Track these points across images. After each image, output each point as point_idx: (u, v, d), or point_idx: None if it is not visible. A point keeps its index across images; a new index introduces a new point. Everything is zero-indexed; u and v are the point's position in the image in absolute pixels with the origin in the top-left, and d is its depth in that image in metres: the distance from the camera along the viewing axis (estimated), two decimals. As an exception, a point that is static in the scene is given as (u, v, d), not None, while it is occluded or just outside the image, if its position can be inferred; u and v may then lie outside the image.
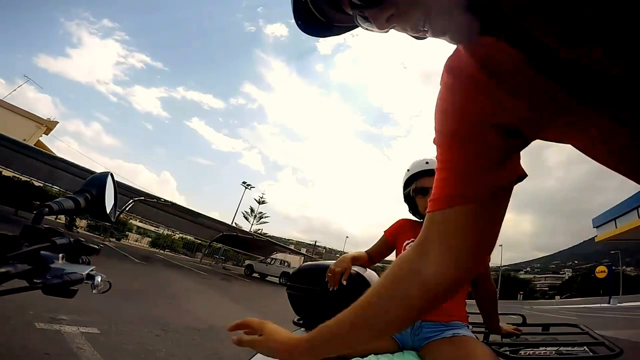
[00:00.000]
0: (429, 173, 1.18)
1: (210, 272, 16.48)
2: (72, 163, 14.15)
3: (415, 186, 1.22)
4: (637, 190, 19.34)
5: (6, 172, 16.68)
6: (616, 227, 21.95)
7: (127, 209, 18.64)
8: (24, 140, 16.99)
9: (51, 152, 20.04)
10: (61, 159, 14.82)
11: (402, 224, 1.30)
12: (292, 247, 38.93)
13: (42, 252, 0.50)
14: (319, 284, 1.10)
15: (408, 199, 1.27)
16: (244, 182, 34.41)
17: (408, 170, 1.26)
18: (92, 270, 0.53)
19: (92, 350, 2.69)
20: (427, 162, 1.22)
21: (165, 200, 17.65)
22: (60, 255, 0.52)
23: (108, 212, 0.62)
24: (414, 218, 1.32)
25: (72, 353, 2.57)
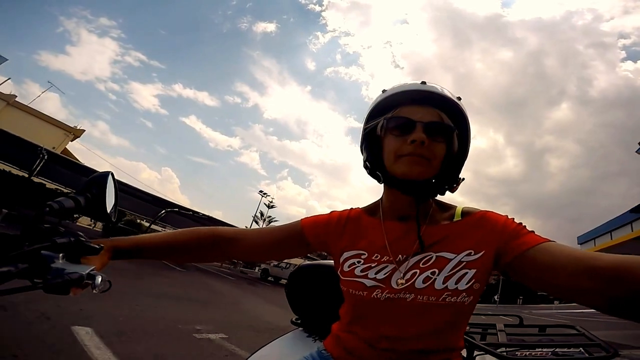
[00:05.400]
0: (422, 99, 0.65)
1: (235, 276, 18.16)
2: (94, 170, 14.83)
3: (394, 114, 0.66)
4: (614, 217, 21.66)
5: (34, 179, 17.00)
6: (595, 245, 24.49)
7: (159, 218, 20.07)
8: (53, 148, 17.89)
9: (76, 159, 20.47)
10: (85, 167, 15.82)
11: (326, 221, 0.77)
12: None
13: (42, 251, 0.50)
14: (317, 284, 1.11)
15: (370, 142, 0.71)
16: (260, 191, 36.39)
17: (384, 91, 0.71)
18: (92, 269, 0.53)
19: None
20: (423, 82, 0.67)
21: (202, 214, 19.12)
22: (61, 254, 0.52)
23: (108, 211, 0.63)
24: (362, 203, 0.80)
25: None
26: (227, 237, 0.78)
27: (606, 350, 0.98)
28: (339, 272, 0.71)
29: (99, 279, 0.54)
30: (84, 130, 25.74)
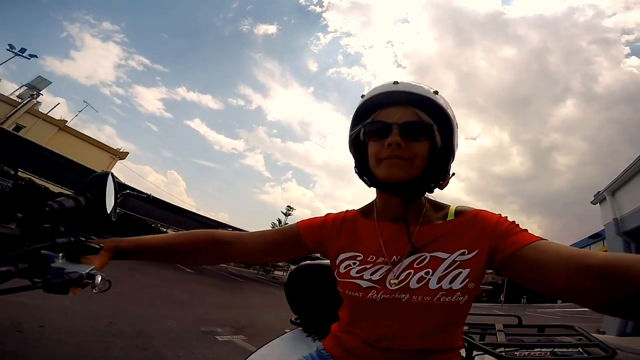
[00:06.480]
0: (397, 99, 0.65)
1: (274, 282, 20.18)
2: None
3: (372, 120, 0.67)
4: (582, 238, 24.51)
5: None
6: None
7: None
8: (102, 171, 19.60)
9: (120, 181, 22.17)
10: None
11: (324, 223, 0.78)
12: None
13: (42, 251, 0.51)
14: (317, 284, 1.11)
15: (356, 148, 0.71)
16: (288, 206, 37.25)
17: (362, 96, 0.70)
18: (92, 269, 0.54)
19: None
20: (395, 83, 0.67)
21: (234, 228, 20.75)
22: (61, 254, 0.53)
23: (108, 211, 0.63)
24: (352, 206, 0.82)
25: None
26: (225, 239, 0.79)
27: (605, 351, 0.98)
28: (335, 274, 0.71)
29: (99, 278, 0.54)
30: (128, 153, 27.20)
